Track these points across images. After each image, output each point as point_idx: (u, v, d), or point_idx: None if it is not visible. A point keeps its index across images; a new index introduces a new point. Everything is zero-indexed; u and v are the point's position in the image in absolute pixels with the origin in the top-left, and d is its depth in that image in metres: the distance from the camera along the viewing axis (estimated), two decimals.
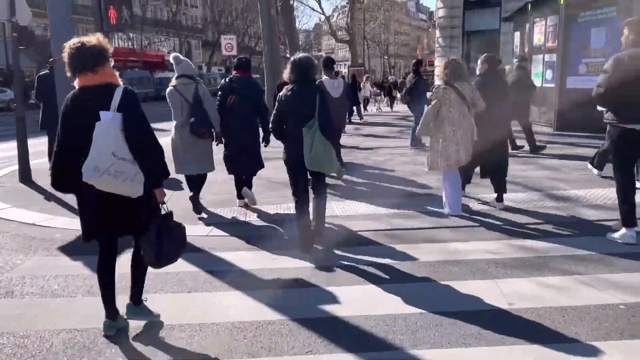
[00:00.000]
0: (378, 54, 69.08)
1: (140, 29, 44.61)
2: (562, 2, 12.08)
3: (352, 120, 16.31)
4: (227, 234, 5.20)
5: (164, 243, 3.00)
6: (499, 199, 5.85)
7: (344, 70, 43.56)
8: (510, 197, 6.19)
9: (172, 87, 5.72)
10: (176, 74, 5.74)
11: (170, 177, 3.20)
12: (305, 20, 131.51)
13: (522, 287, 3.68)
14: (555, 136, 11.68)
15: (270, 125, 4.81)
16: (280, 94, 4.63)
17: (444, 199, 5.71)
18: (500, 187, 5.84)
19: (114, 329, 3.14)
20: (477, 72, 6.16)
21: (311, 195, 4.77)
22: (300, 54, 4.63)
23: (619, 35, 11.02)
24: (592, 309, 3.29)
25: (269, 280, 4.03)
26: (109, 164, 2.78)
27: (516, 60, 10.75)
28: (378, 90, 27.87)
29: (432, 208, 5.87)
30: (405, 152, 10.32)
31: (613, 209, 5.59)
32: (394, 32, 70.75)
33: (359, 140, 12.31)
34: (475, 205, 5.94)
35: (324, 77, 7.64)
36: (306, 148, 4.30)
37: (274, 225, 5.47)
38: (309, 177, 4.72)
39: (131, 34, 46.34)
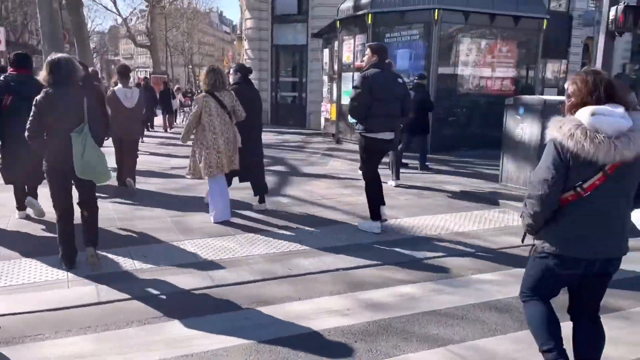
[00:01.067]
0: (182, 63, 66.25)
1: None
2: (369, 22, 12.22)
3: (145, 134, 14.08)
4: None
5: None
6: (261, 200, 6.23)
7: (142, 76, 40.29)
8: (343, 230, 5.46)
9: None
10: None
11: None
12: (100, 20, 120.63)
13: None
14: None
15: (26, 133, 4.06)
16: (38, 97, 4.03)
17: (210, 206, 5.81)
18: (260, 189, 6.19)
19: None
20: (231, 81, 6.15)
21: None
22: (58, 55, 4.18)
23: (421, 57, 11.53)
24: None
25: None
26: None
27: (415, 77, 10.25)
28: (189, 102, 25.02)
29: (254, 249, 4.81)
30: None
31: (450, 240, 5.22)
32: (197, 42, 68.69)
33: (165, 157, 10.71)
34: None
35: (118, 86, 7.18)
36: (77, 155, 3.98)
37: None
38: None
39: None
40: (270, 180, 8.22)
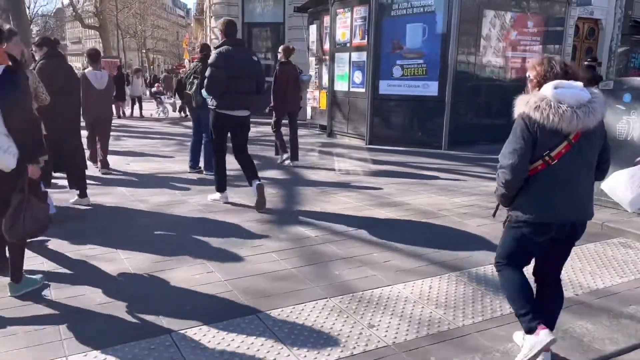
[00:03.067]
0: (134, 47, 62.15)
1: None
2: None
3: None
4: None
5: (21, 215, 3.03)
6: (82, 194, 5.42)
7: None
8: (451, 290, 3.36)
9: None
10: None
11: None
12: (44, 1, 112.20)
13: None
14: (374, 152, 9.57)
15: None
16: None
17: None
18: (79, 186, 5.44)
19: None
20: (36, 58, 5.46)
21: None
22: None
23: (438, 34, 9.52)
24: None
25: None
26: None
27: (587, 59, 8.71)
28: (160, 89, 20.85)
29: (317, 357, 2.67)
30: (183, 181, 6.80)
31: (599, 307, 3.18)
32: (151, 25, 64.64)
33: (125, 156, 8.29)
34: None
35: (89, 69, 7.11)
36: None
37: None
38: None
39: None
40: (271, 193, 6.04)
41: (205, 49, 7.71)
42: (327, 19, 11.74)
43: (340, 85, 11.29)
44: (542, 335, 2.42)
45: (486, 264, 3.85)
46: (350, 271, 3.74)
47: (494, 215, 2.81)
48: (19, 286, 3.24)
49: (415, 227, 4.84)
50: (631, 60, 22.62)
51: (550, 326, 2.55)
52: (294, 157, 8.18)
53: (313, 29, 12.71)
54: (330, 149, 10.09)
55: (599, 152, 2.50)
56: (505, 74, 10.53)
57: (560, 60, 2.49)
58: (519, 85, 8.61)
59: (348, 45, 10.98)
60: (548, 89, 2.37)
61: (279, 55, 8.21)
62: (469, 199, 5.89)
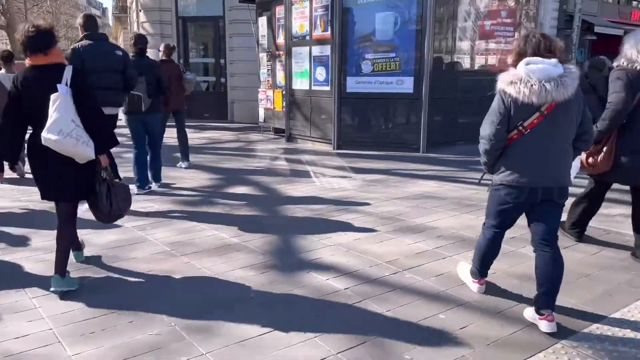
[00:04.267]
0: None
1: None
2: None
3: None
4: None
5: (113, 200, 3.31)
6: None
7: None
8: None
9: None
10: None
11: None
12: None
13: None
14: (347, 158, 8.41)
15: None
16: None
17: None
18: None
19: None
20: None
21: None
22: None
23: (411, 23, 8.55)
24: None
25: None
26: (71, 129, 2.98)
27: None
28: None
29: None
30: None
31: None
32: (64, 25, 60.03)
33: None
34: None
35: (1, 72, 6.77)
36: None
37: None
38: None
39: None
40: (253, 216, 4.67)
41: (140, 41, 6.25)
42: (279, 10, 10.47)
43: (300, 84, 10.04)
44: (477, 286, 3.15)
45: (598, 322, 2.77)
46: (424, 352, 2.54)
47: (479, 182, 3.18)
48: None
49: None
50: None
51: (549, 299, 2.67)
52: (185, 157, 7.71)
53: (263, 21, 11.36)
54: (295, 155, 8.83)
55: (578, 123, 2.66)
56: (485, 67, 9.73)
57: (538, 37, 2.62)
58: (493, 81, 7.69)
59: (307, 38, 9.75)
60: (521, 65, 2.58)
61: (160, 53, 7.72)
62: None
